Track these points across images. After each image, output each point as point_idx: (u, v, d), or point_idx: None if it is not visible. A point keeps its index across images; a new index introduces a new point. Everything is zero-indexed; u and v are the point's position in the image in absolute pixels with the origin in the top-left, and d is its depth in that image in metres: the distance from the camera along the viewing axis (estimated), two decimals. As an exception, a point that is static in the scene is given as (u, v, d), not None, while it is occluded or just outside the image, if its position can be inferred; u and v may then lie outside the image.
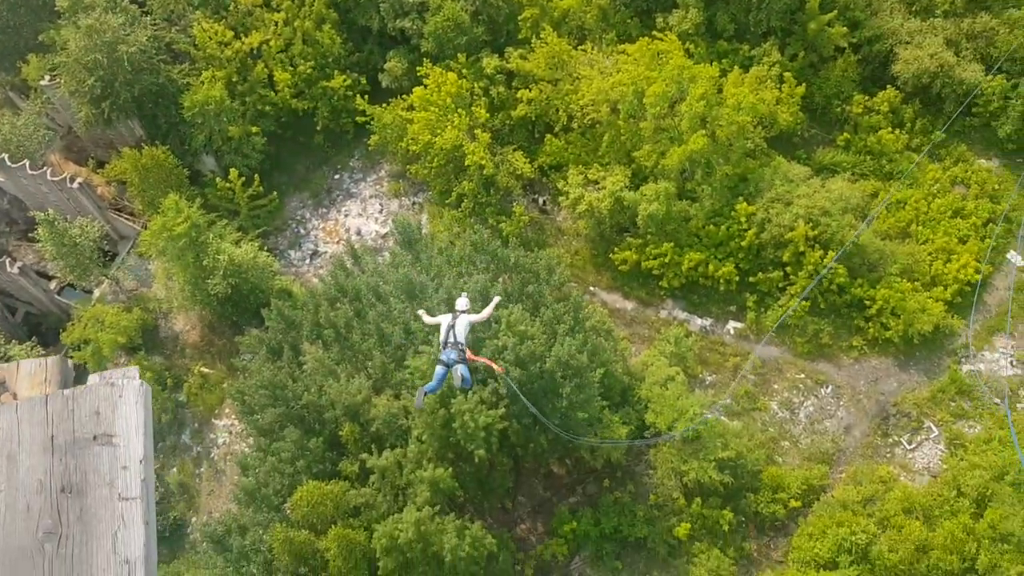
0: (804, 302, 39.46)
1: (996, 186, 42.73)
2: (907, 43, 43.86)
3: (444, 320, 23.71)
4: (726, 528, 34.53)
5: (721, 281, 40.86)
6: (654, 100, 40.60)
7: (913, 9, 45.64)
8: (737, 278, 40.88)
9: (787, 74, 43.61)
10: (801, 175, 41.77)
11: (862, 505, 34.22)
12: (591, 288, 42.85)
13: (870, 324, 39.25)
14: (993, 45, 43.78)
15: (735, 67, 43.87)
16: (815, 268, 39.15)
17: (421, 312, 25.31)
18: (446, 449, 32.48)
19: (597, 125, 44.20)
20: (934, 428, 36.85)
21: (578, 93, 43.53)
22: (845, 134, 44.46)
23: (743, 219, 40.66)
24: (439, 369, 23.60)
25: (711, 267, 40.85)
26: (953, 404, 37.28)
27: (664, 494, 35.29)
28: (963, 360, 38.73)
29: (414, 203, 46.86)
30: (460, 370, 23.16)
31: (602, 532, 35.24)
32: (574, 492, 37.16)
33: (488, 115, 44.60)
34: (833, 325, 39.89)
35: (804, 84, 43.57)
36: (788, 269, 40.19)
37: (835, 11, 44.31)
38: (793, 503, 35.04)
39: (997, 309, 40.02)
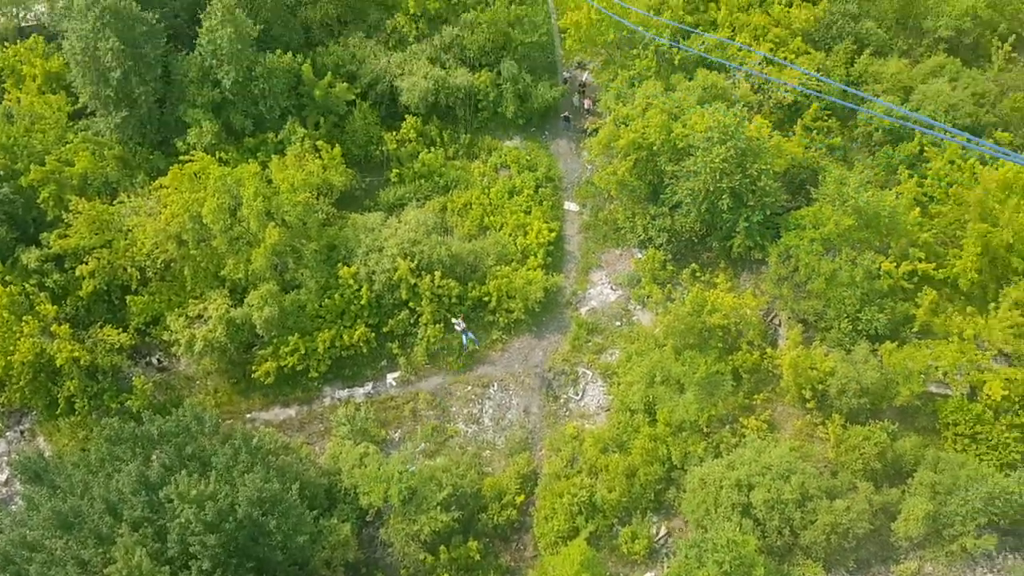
0: (437, 325, 42.28)
1: (528, 157, 49.03)
2: (401, 75, 48.42)
3: None
4: (478, 557, 36.18)
5: (361, 344, 42.19)
6: (213, 216, 40.52)
7: (390, 45, 50.42)
8: (373, 335, 42.50)
9: (319, 142, 45.95)
10: (378, 220, 44.45)
11: (569, 466, 37.90)
12: (248, 415, 41.89)
13: (497, 315, 43.16)
14: (465, 48, 49.99)
15: (272, 155, 45.21)
16: (431, 292, 42.05)
17: None
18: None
19: (172, 264, 43.00)
20: (587, 371, 41.78)
21: (136, 244, 42.00)
22: (395, 170, 47.94)
23: (351, 281, 42.30)
24: None
25: (345, 337, 41.99)
26: (590, 344, 42.50)
27: (411, 562, 35.92)
28: (578, 305, 44.24)
29: (23, 432, 42.00)
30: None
31: (379, 628, 35.07)
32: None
33: (55, 307, 41.30)
34: (471, 332, 43.14)
35: (337, 144, 46.22)
36: (410, 304, 42.63)
37: (328, 73, 47.44)
38: (518, 499, 37.71)
39: (579, 252, 46.19)
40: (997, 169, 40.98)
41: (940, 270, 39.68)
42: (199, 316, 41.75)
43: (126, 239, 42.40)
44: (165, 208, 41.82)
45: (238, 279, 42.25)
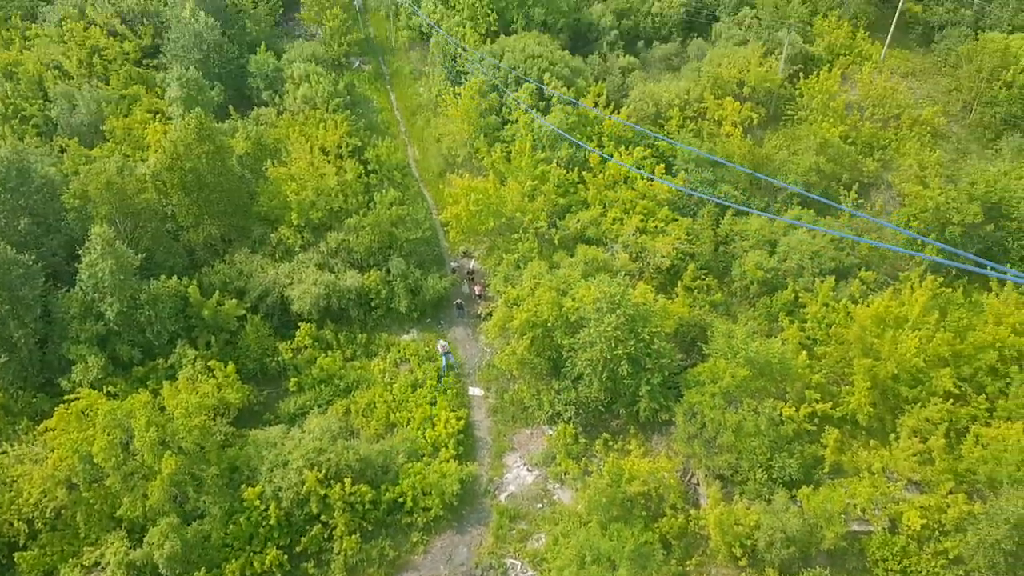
0: (353, 536, 40.39)
1: (427, 348, 49.35)
2: (291, 284, 48.71)
3: None
4: None
5: (274, 570, 39.68)
6: (105, 454, 38.50)
7: (277, 257, 50.99)
8: (286, 556, 40.11)
9: (212, 362, 45.04)
10: (279, 434, 43.08)
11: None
12: (156, 667, 38.10)
13: (414, 515, 41.64)
14: (352, 251, 51.04)
15: (163, 382, 43.84)
16: (343, 501, 40.42)
17: None
18: None
19: (63, 511, 40.14)
20: (516, 562, 40.35)
21: (23, 495, 39.24)
22: (293, 379, 47.17)
23: (257, 502, 40.29)
24: None
25: (256, 564, 39.48)
26: (513, 532, 41.27)
27: None
28: (497, 492, 43.29)
29: None
30: None
31: None
32: None
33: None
34: (389, 537, 41.20)
35: (231, 361, 45.39)
36: (323, 518, 40.74)
37: (216, 292, 47.29)
38: None
39: (491, 437, 45.76)
40: (868, 306, 43.70)
41: (837, 408, 41.15)
42: (96, 564, 38.69)
43: (10, 491, 39.57)
44: (52, 452, 39.54)
45: (135, 517, 39.63)
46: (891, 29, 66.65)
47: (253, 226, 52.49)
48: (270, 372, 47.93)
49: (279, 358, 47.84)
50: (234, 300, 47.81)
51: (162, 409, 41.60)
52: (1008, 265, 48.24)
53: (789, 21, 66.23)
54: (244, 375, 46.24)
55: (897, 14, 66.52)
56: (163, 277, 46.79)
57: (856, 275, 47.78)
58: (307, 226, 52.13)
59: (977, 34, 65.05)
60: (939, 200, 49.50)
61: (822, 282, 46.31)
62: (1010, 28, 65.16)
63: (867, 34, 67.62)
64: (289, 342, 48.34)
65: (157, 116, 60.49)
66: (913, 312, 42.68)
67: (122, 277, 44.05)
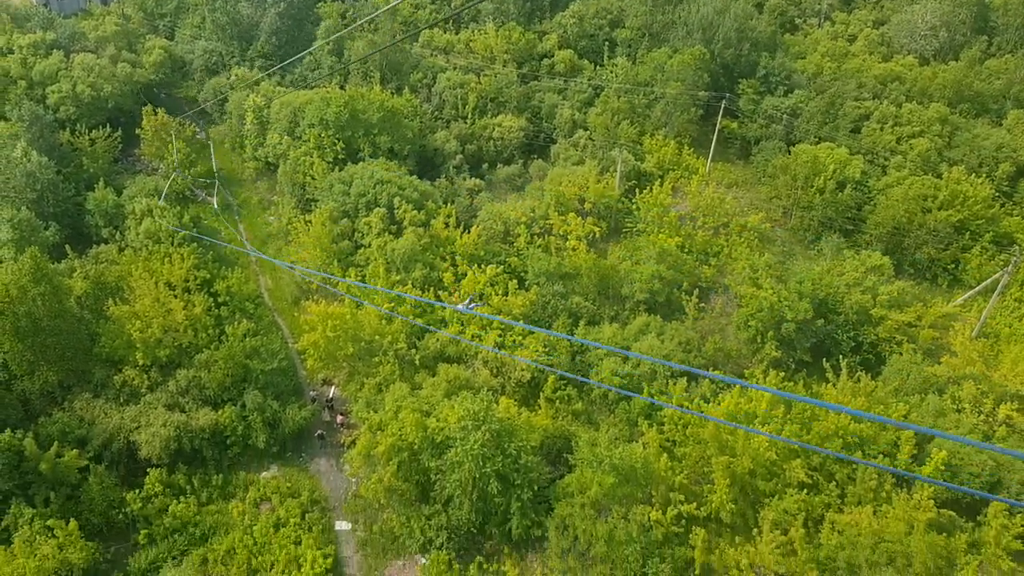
0: None
1: (288, 484, 47.34)
2: (137, 428, 46.00)
3: None
4: None
5: None
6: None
7: (122, 400, 48.29)
8: None
9: (51, 521, 41.52)
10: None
11: None
12: None
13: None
14: (204, 387, 49.01)
15: (-6, 549, 39.91)
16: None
17: None
18: None
19: None
20: None
21: None
22: (143, 531, 43.91)
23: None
24: None
25: None
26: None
27: None
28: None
29: None
30: None
31: None
32: None
33: None
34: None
35: (73, 518, 41.96)
36: None
37: (55, 443, 44.05)
38: None
39: (360, 573, 43.92)
40: (720, 404, 45.75)
41: (702, 508, 42.28)
42: None
43: None
44: None
45: None
46: (712, 144, 72.53)
47: (95, 369, 49.61)
48: (118, 525, 44.45)
49: (127, 509, 44.51)
50: (75, 450, 44.54)
51: (-6, 579, 37.75)
52: (840, 357, 51.86)
53: (620, 141, 70.93)
54: (88, 531, 42.74)
55: (717, 131, 72.57)
56: (-6, 431, 43.22)
57: (706, 376, 50.14)
58: (154, 365, 49.82)
59: (789, 147, 71.68)
60: (772, 300, 53.11)
61: (675, 384, 48.22)
62: (817, 139, 72.23)
63: (691, 150, 73.23)
64: (137, 491, 45.12)
65: (-14, 260, 57.04)
66: (760, 408, 44.99)
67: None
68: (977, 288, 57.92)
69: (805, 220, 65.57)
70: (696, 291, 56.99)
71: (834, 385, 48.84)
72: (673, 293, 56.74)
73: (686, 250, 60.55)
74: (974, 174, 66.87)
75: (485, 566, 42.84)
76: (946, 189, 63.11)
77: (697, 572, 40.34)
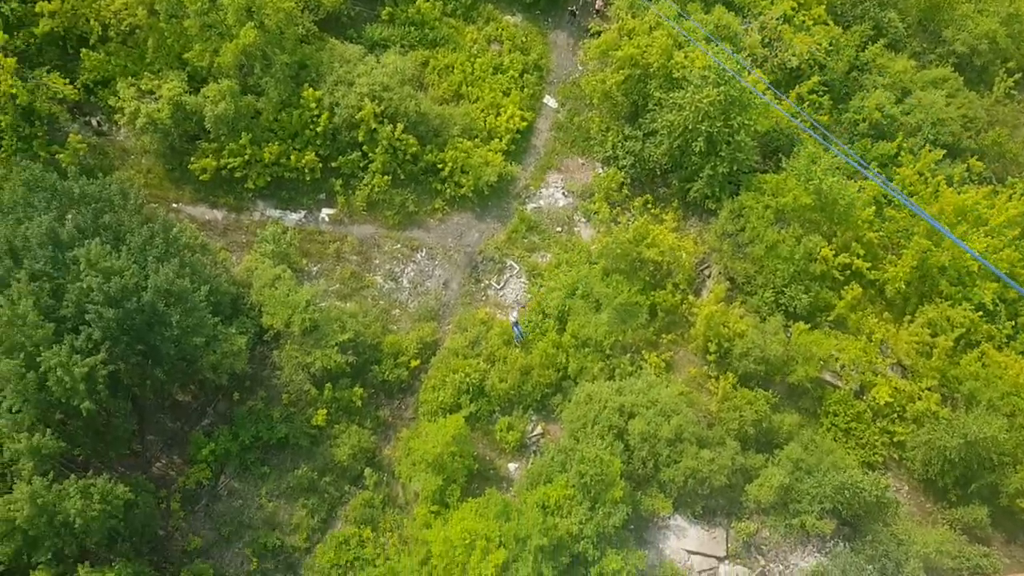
0: (385, 176, 41.76)
1: (524, 39, 47.78)
2: None
3: None
4: (359, 404, 36.98)
5: (306, 171, 41.49)
6: (191, -4, 38.78)
7: None
8: (320, 164, 41.78)
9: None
10: (356, 54, 43.08)
11: (470, 348, 38.56)
12: (174, 205, 41.10)
13: (445, 185, 42.80)
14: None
15: None
16: (388, 142, 41.35)
17: None
18: (49, 411, 30.42)
19: (137, 30, 41.27)
20: (515, 265, 42.07)
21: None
22: (388, 8, 46.17)
23: (313, 105, 41.24)
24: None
25: (293, 158, 41.21)
26: (526, 241, 42.65)
27: (295, 390, 36.50)
28: (526, 200, 44.13)
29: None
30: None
31: (243, 444, 35.73)
32: (205, 415, 36.93)
33: (5, 35, 39.31)
34: (415, 193, 42.76)
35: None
36: (364, 148, 41.91)
37: None
38: (413, 363, 38.36)
39: (544, 149, 45.79)
40: (960, 194, 41.77)
41: (873, 271, 40.65)
42: (151, 92, 40.33)
43: (95, -9, 40.33)
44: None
45: (200, 67, 40.84)
46: None
47: None
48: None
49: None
50: None
51: None
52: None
53: None
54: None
55: None
56: None
57: (966, 160, 45.24)
58: None
59: None
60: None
61: (930, 151, 43.82)
62: None
63: None
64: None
65: None
66: (997, 219, 40.92)
67: None
68: None
69: None
70: (1019, 75, 49.03)
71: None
72: (993, 63, 49.11)
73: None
74: None
75: (650, 206, 43.69)
76: None
77: (830, 318, 40.04)
